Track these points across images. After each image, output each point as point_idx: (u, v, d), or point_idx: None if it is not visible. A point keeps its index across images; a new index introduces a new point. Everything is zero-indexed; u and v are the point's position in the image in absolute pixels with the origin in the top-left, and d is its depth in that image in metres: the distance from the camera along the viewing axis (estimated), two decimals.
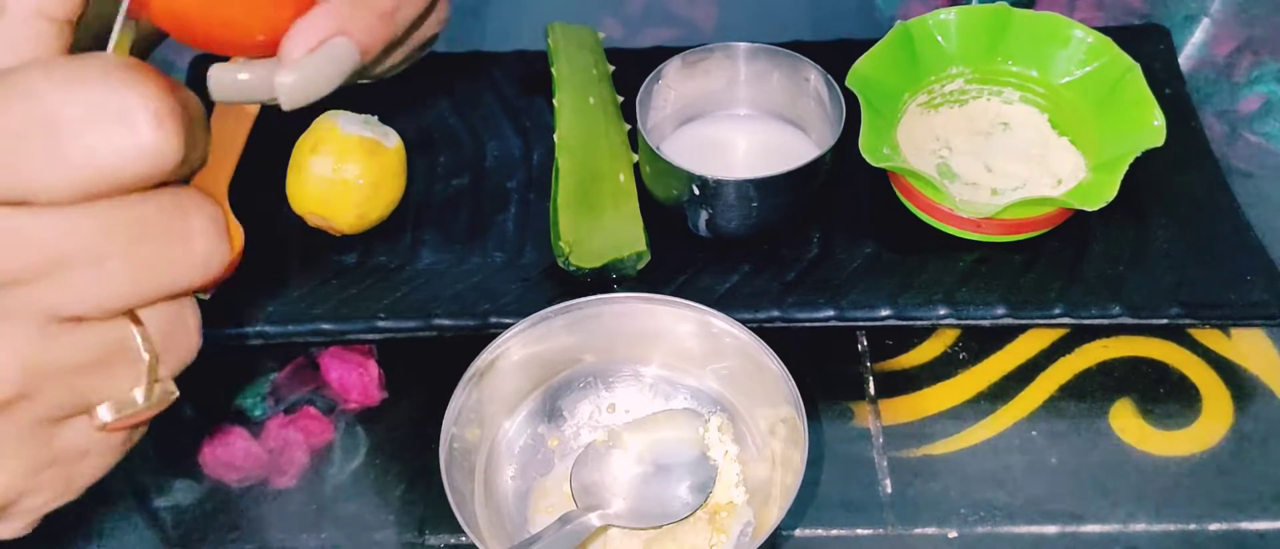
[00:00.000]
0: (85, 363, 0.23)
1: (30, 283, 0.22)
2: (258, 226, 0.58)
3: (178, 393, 0.25)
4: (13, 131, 0.21)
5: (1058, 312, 0.55)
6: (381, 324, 0.56)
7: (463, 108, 0.67)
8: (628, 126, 0.62)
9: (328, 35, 0.29)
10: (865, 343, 0.56)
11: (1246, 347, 0.55)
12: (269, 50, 0.30)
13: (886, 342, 0.56)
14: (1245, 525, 0.49)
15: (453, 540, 0.50)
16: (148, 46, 0.36)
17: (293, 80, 0.29)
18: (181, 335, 0.25)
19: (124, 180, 0.22)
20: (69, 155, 0.21)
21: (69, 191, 0.22)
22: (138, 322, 0.24)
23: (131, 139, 0.22)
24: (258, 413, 0.55)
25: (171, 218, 0.23)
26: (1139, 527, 0.49)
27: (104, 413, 0.24)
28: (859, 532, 0.50)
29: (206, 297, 0.57)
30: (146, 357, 0.24)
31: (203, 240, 0.24)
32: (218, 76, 0.30)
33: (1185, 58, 0.68)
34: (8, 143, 0.21)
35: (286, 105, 0.30)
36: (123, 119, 0.22)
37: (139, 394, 0.24)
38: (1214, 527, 0.49)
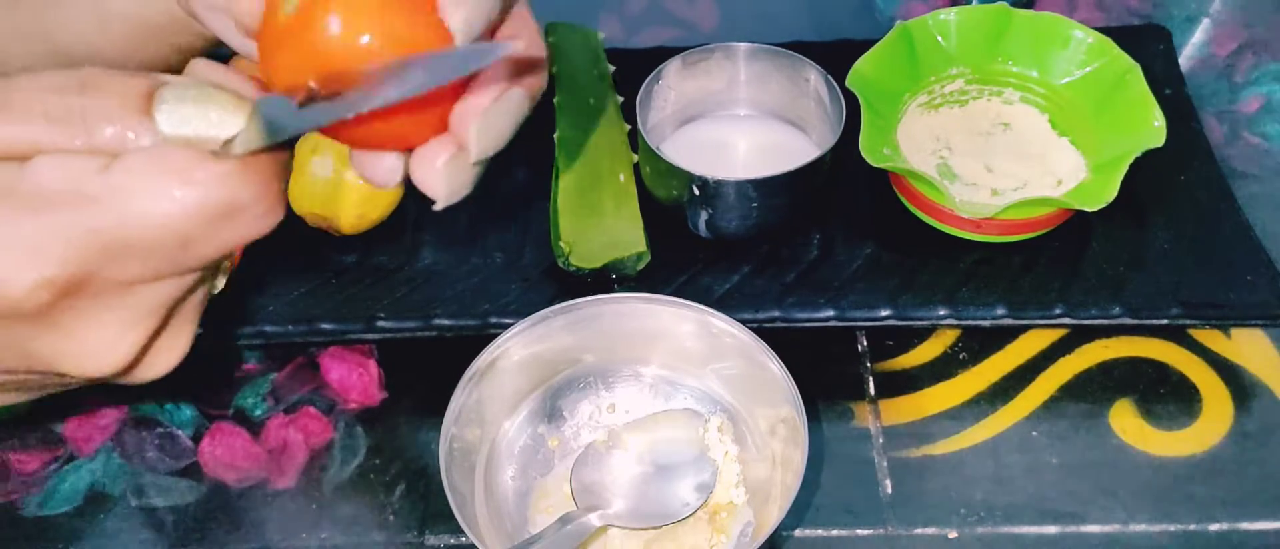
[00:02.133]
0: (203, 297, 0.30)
1: (182, 296, 0.28)
2: None
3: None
4: (149, 250, 0.26)
5: (1058, 312, 0.55)
6: (381, 324, 0.56)
7: None
8: (628, 127, 0.62)
9: (504, 90, 0.30)
10: (865, 343, 0.56)
11: (1246, 347, 0.55)
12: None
13: (887, 342, 0.56)
14: (1245, 525, 0.49)
15: (452, 540, 0.50)
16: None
17: (476, 140, 0.30)
18: None
19: (241, 245, 0.28)
20: (200, 252, 0.26)
21: (200, 265, 0.27)
22: None
23: (252, 229, 0.27)
24: (258, 413, 0.55)
25: None
26: (1139, 527, 0.49)
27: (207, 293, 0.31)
28: (859, 532, 0.50)
29: None
30: (225, 271, 0.31)
31: None
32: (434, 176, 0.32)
33: (1185, 58, 0.68)
34: (147, 255, 0.26)
35: (476, 154, 0.31)
36: (244, 219, 0.27)
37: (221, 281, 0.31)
38: (1214, 527, 0.49)
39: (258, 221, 0.27)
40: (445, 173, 0.31)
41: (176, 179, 0.25)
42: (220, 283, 0.31)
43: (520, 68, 0.31)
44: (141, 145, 0.26)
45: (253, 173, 0.26)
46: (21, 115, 0.25)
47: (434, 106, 0.29)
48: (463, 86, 0.30)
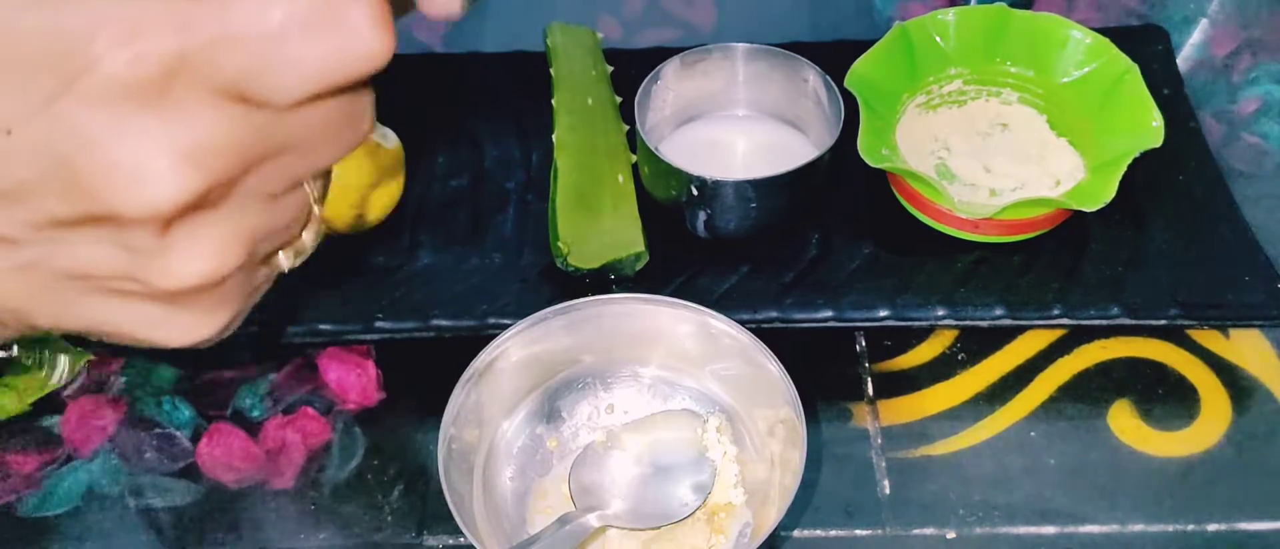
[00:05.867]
0: (282, 225, 0.27)
1: (256, 170, 0.24)
2: None
3: (324, 234, 0.29)
4: (244, 33, 0.22)
5: (1056, 312, 0.55)
6: (380, 325, 0.56)
7: (462, 108, 0.67)
8: (626, 127, 0.62)
9: None
10: (864, 344, 0.56)
11: (1245, 347, 0.55)
12: None
13: (885, 342, 0.56)
14: (1244, 526, 0.49)
15: (451, 541, 0.50)
16: None
17: None
18: (326, 185, 0.29)
19: (344, 81, 0.24)
20: (298, 57, 0.23)
21: (296, 92, 0.23)
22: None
23: (354, 42, 0.23)
24: (256, 413, 0.55)
25: (357, 109, 0.26)
26: (1137, 527, 0.49)
27: (284, 260, 0.28)
28: (857, 532, 0.50)
29: None
30: (317, 210, 0.28)
31: (368, 124, 0.27)
32: None
33: (1183, 58, 0.69)
34: (243, 45, 0.22)
35: None
36: (346, 23, 0.23)
37: (309, 237, 0.28)
38: (1212, 527, 0.49)
39: (365, 37, 0.23)
40: None
41: None
42: (284, 262, 0.29)
43: None
44: None
45: None
46: None
47: None
48: None
